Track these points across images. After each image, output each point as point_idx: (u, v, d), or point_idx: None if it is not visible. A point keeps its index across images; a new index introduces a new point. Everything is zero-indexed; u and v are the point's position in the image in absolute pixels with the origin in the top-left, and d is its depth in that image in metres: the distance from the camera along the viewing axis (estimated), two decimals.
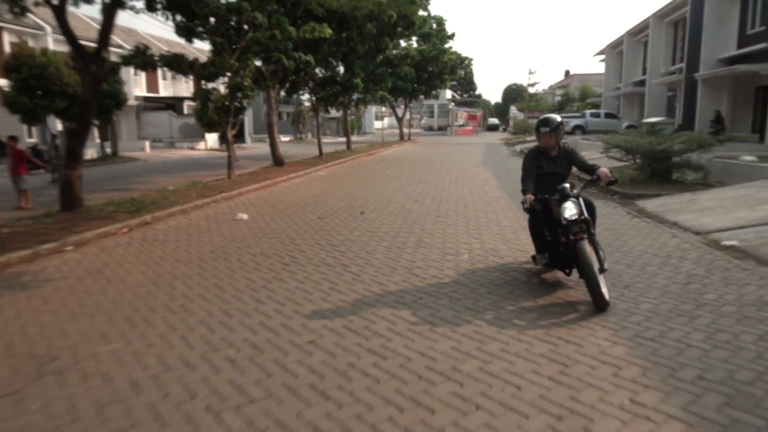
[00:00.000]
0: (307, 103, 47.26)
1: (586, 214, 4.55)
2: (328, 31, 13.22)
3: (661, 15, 29.21)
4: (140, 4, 13.74)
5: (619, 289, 4.93)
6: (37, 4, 11.25)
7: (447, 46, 38.27)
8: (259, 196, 11.81)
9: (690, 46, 24.78)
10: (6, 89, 19.76)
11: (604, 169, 4.76)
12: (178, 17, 14.73)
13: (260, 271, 5.73)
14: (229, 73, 13.90)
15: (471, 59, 42.87)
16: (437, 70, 37.98)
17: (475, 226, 7.96)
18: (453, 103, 64.76)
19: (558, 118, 5.17)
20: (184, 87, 41.89)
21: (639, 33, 33.27)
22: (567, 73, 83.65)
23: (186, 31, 13.84)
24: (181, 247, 6.95)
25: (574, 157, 5.11)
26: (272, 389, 3.19)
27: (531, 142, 30.42)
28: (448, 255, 6.31)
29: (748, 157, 11.82)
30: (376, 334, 4.00)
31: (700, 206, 9.06)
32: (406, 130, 42.87)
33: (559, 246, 4.76)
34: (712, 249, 6.40)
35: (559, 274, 5.27)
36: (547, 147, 5.10)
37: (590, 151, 17.23)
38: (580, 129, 31.90)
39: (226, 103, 13.54)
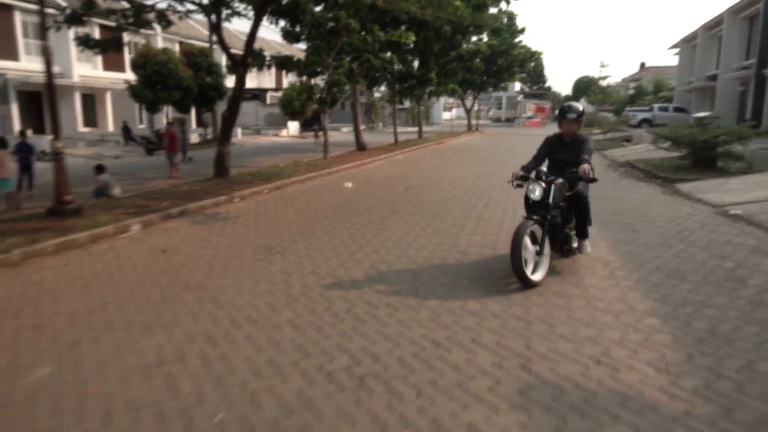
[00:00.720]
0: (377, 95, 50.16)
1: (550, 200, 4.91)
2: (412, 38, 15.76)
3: (735, 10, 29.56)
4: (251, 13, 16.83)
5: (629, 233, 7.16)
6: (179, 17, 14.49)
7: (517, 40, 39.78)
8: (353, 173, 14.55)
9: (762, 42, 25.31)
10: (133, 83, 23.65)
11: (585, 166, 4.90)
12: (281, 23, 17.72)
13: (374, 216, 8.36)
14: (326, 71, 16.69)
15: (540, 53, 44.09)
16: (506, 63, 39.58)
17: None
18: (522, 95, 65.61)
19: (581, 107, 5.38)
20: (267, 79, 45.79)
21: (713, 27, 33.51)
22: (642, 65, 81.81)
23: (292, 36, 16.74)
24: (312, 202, 9.72)
25: (581, 147, 5.21)
26: (403, 263, 5.78)
27: (596, 134, 31.71)
28: (507, 212, 8.69)
29: None
30: (459, 244, 6.51)
31: (727, 188, 10.86)
32: (473, 121, 44.79)
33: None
34: (717, 215, 8.39)
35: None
36: (568, 132, 5.34)
37: (646, 143, 18.80)
38: (648, 122, 32.67)
39: (324, 95, 16.37)
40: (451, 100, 65.73)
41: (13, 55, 25.55)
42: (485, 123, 61.48)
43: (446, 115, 67.38)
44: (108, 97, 30.82)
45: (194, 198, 9.32)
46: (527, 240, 4.78)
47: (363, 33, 16.48)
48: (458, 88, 33.65)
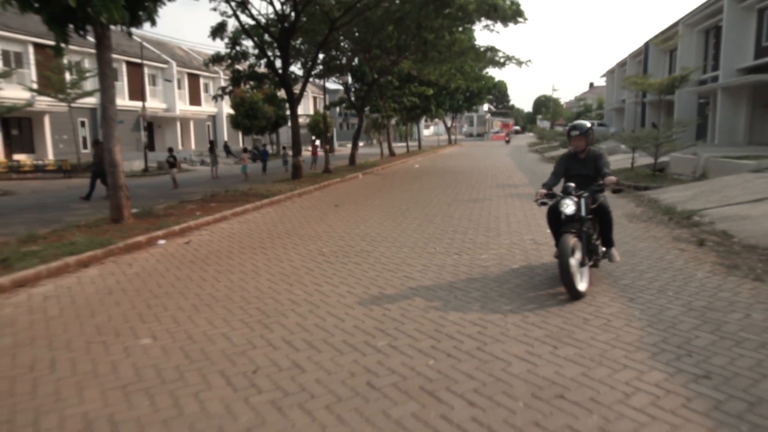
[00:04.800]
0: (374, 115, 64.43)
1: (583, 213, 5.34)
2: (431, 91, 29.78)
3: (634, 54, 45.01)
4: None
5: (533, 174, 21.15)
6: (298, 79, 28.08)
7: (484, 72, 54.48)
8: (403, 167, 28.26)
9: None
10: (234, 116, 36.94)
11: (611, 177, 5.37)
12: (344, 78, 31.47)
13: (437, 176, 22.10)
14: (379, 108, 30.49)
15: (504, 82, 59.14)
16: (477, 90, 54.21)
17: (501, 171, 24.20)
18: (489, 114, 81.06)
19: (587, 123, 5.87)
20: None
21: (623, 65, 49.05)
22: (591, 85, 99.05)
23: (354, 87, 30.48)
24: (406, 172, 23.40)
25: (598, 161, 5.70)
26: (461, 187, 19.62)
27: (546, 146, 46.47)
28: (489, 177, 22.63)
29: (623, 146, 27.75)
30: (476, 183, 20.41)
31: None
32: (452, 137, 59.34)
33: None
34: None
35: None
36: (577, 149, 5.80)
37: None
38: None
39: (381, 123, 30.18)
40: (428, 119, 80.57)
41: (142, 97, 38.49)
42: (461, 138, 76.37)
43: (426, 132, 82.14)
44: (191, 124, 43.85)
45: (362, 169, 22.92)
46: (578, 252, 5.25)
47: (400, 87, 30.45)
48: (443, 112, 48.08)
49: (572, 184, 5.49)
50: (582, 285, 5.25)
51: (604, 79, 59.92)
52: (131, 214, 9.89)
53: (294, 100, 18.70)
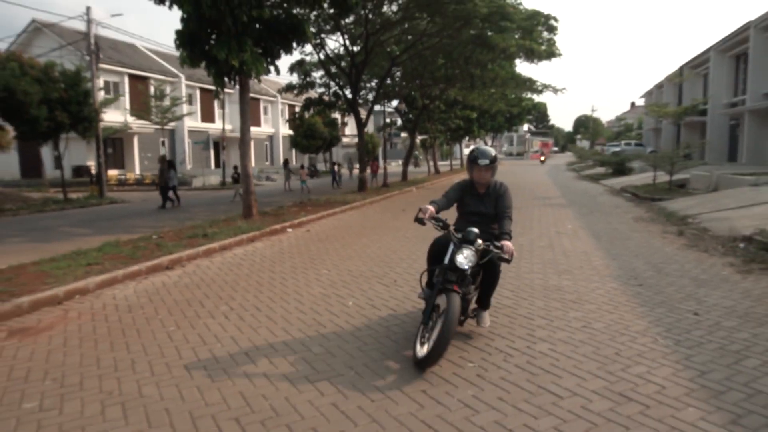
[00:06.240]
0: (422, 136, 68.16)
1: (468, 271, 4.50)
2: (475, 114, 33.12)
3: (669, 78, 47.36)
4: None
5: (567, 190, 24.12)
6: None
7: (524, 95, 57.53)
8: (449, 182, 31.48)
9: (678, 102, 42.81)
10: (292, 135, 41.06)
11: (509, 246, 4.53)
12: (394, 102, 35.09)
13: None
14: (427, 130, 33.95)
15: (544, 103, 61.97)
16: (517, 111, 57.28)
17: (538, 187, 27.23)
18: (529, 134, 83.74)
19: (493, 152, 5.07)
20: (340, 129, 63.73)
21: (660, 87, 51.37)
22: (632, 104, 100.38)
23: (406, 111, 34.05)
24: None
25: (500, 201, 4.94)
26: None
27: (583, 164, 48.96)
28: (526, 191, 25.69)
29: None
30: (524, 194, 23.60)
31: (618, 180, 27.89)
32: None
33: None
34: (608, 189, 25.33)
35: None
36: (480, 181, 4.98)
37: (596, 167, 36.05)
38: (617, 155, 50.01)
39: (429, 143, 33.64)
40: (467, 139, 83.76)
41: (211, 120, 43.17)
42: (501, 157, 79.16)
43: (466, 151, 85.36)
44: (252, 144, 48.29)
45: (414, 184, 26.32)
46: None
47: (446, 111, 33.91)
48: (485, 132, 51.27)
49: (476, 230, 4.58)
50: (423, 350, 4.25)
51: (642, 100, 62.03)
52: (257, 212, 13.53)
53: (362, 125, 22.31)
